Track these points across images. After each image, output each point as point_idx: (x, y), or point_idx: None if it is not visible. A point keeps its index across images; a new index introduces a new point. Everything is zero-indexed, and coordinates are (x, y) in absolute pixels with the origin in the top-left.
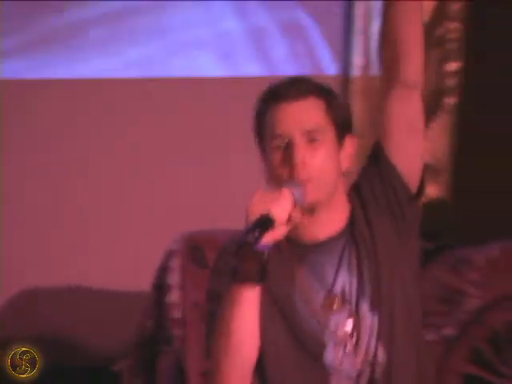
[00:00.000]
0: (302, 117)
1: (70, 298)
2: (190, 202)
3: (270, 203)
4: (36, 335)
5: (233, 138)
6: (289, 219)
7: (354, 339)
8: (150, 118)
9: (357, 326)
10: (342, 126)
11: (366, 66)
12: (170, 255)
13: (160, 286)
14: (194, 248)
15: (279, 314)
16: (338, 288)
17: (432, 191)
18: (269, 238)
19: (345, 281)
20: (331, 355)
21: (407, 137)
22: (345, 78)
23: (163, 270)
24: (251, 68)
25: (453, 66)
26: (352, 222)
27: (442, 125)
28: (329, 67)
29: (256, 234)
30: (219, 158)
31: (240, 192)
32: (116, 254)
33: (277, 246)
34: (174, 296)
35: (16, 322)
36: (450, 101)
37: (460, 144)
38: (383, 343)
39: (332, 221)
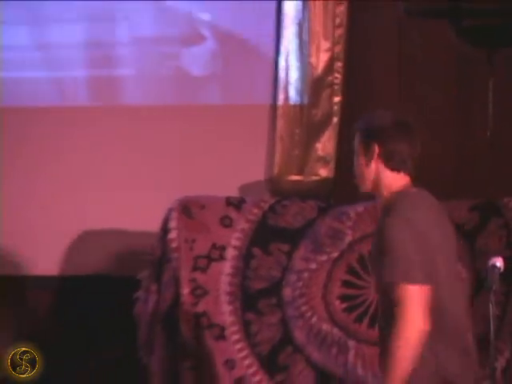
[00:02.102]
0: None
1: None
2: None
3: None
4: None
5: None
6: None
7: None
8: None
9: None
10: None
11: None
12: (170, 210)
13: (164, 229)
14: (185, 206)
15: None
16: None
17: (324, 173)
18: None
19: None
20: None
21: None
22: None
23: (166, 219)
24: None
25: (337, 99)
26: None
27: (331, 134)
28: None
29: None
30: None
31: None
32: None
33: None
34: (172, 235)
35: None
36: (335, 120)
37: (341, 144)
38: None
39: None
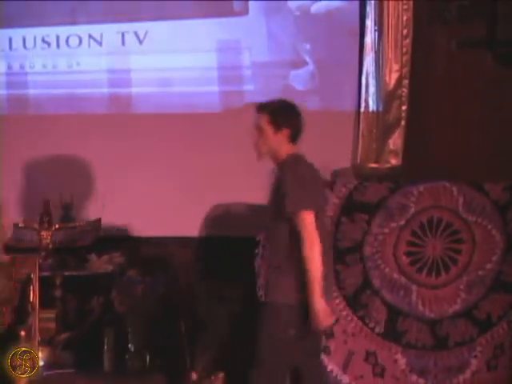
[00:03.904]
0: None
1: None
2: None
3: None
4: None
5: None
6: None
7: None
8: None
9: None
10: None
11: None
12: None
13: None
14: None
15: None
16: None
17: (394, 162)
18: None
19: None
20: None
21: None
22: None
23: None
24: None
25: (404, 107)
26: None
27: (400, 133)
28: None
29: None
30: None
31: None
32: None
33: None
34: None
35: None
36: (403, 123)
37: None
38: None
39: None
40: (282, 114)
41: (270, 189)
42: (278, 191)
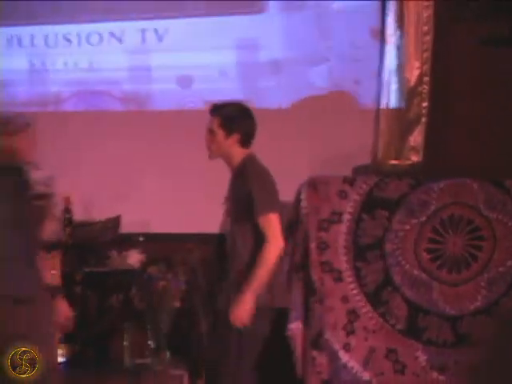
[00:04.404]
0: None
1: None
2: None
3: None
4: None
5: None
6: None
7: None
8: None
9: None
10: None
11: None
12: (302, 186)
13: (297, 199)
14: (312, 183)
15: None
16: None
17: (414, 158)
18: None
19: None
20: None
21: None
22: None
23: (299, 192)
24: None
25: (424, 104)
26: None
27: (420, 130)
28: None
29: None
30: None
31: None
32: None
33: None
34: (303, 203)
35: None
36: (423, 120)
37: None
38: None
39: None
40: (233, 119)
41: (227, 193)
42: (238, 195)
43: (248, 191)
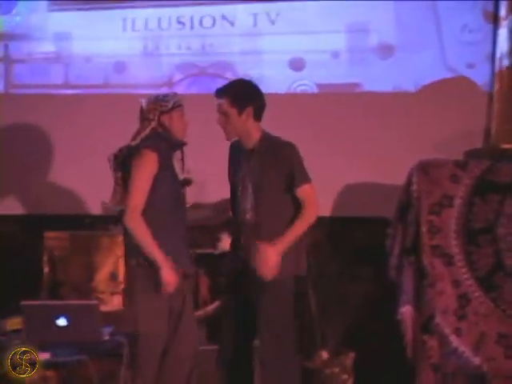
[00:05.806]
0: None
1: None
2: None
3: None
4: None
5: None
6: None
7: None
8: None
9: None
10: None
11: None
12: (413, 169)
13: (408, 182)
14: (423, 166)
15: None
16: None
17: None
18: None
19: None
20: None
21: None
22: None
23: (410, 175)
24: None
25: None
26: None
27: None
28: None
29: None
30: None
31: None
32: None
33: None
34: (414, 187)
35: None
36: None
37: None
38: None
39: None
40: (242, 94)
41: (246, 171)
42: (269, 169)
43: (286, 164)
